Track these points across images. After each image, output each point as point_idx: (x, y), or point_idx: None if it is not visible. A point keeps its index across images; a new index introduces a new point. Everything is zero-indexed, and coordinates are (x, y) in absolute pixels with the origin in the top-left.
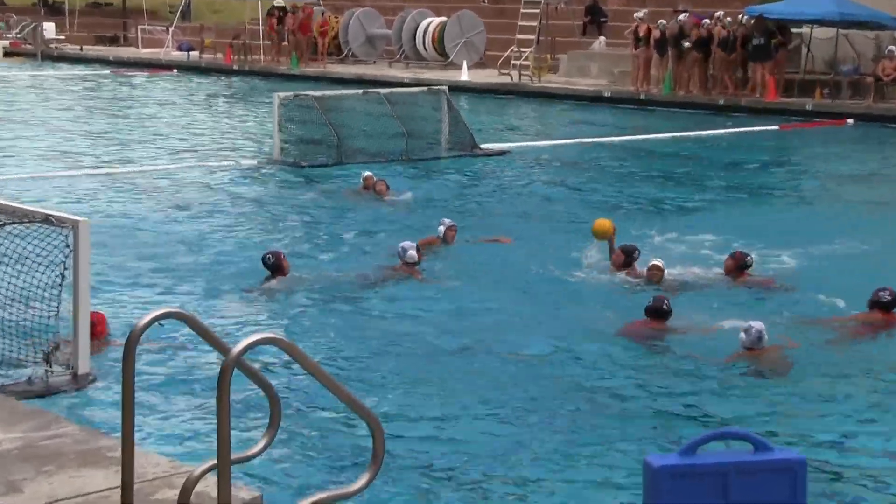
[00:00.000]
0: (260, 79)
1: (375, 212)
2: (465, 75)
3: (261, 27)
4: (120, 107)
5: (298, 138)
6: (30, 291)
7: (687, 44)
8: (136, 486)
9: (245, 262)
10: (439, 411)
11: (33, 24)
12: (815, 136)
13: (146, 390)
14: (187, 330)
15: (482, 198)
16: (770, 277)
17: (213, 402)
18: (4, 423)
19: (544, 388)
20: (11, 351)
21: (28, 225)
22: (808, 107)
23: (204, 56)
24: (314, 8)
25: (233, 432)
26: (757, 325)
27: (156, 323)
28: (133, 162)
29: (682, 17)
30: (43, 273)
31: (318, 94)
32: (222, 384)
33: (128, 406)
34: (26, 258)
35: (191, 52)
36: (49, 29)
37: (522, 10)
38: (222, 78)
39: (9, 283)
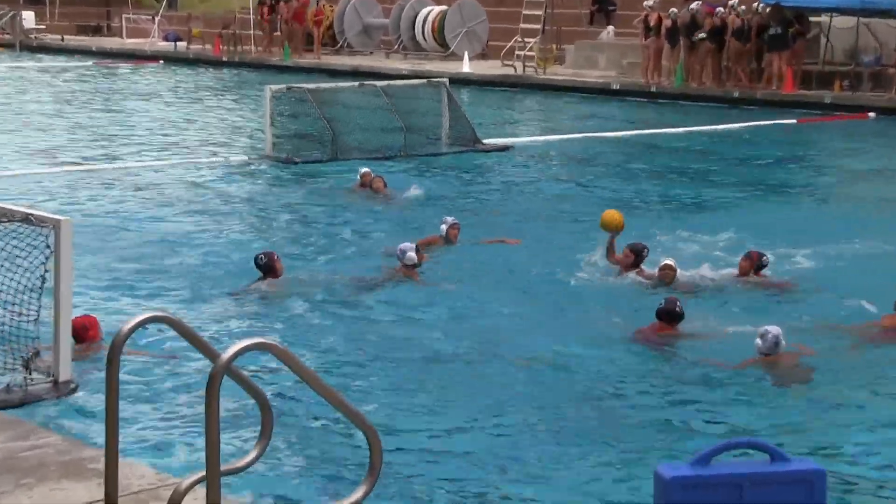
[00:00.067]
0: (251, 70)
1: (373, 210)
2: (466, 67)
3: (251, 16)
4: (103, 100)
5: (291, 133)
6: (8, 295)
7: (702, 35)
8: (120, 499)
9: (235, 263)
10: (439, 420)
11: (11, 13)
12: (834, 130)
13: (131, 398)
14: (174, 335)
15: (484, 195)
16: (787, 279)
17: (202, 410)
18: None
19: (549, 395)
20: None
21: (6, 224)
22: (827, 100)
23: (192, 47)
24: None
25: (222, 442)
26: (774, 329)
27: (141, 327)
28: (117, 158)
29: (694, 5)
30: (22, 275)
31: (311, 86)
32: (211, 392)
33: (111, 415)
34: (5, 259)
35: (178, 43)
36: (28, 18)
37: None
38: (211, 70)
39: None
